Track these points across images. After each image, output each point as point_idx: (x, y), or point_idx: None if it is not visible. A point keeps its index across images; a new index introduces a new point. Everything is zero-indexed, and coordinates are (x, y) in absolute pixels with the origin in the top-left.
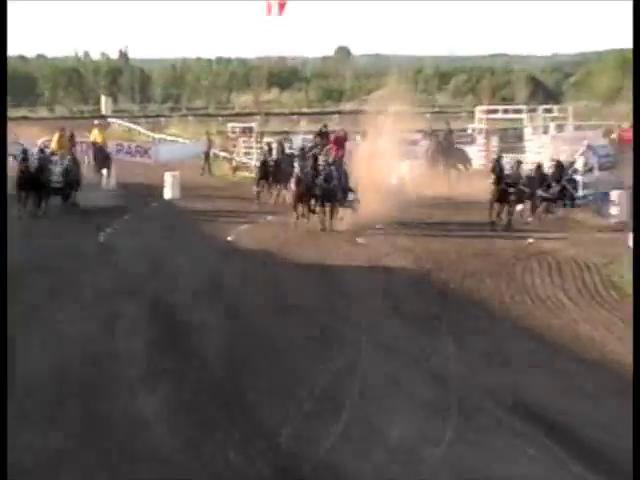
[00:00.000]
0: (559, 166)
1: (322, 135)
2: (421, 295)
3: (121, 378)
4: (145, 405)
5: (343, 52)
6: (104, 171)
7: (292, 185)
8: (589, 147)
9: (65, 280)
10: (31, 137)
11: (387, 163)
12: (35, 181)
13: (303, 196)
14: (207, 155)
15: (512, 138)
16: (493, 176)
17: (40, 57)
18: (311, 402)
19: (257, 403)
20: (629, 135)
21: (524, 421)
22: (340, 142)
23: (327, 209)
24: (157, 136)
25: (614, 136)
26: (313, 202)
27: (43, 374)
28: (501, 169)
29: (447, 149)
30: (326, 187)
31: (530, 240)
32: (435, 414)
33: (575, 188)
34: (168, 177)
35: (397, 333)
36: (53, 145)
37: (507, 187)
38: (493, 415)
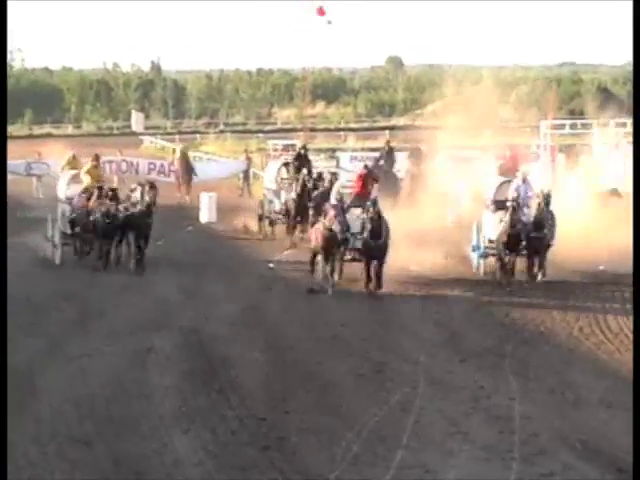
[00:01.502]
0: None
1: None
2: None
3: None
4: None
5: (394, 62)
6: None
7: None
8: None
9: None
10: (55, 155)
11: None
12: (131, 227)
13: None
14: (246, 174)
15: (581, 155)
16: (507, 216)
17: (66, 69)
18: None
19: None
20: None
21: None
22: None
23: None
24: (193, 154)
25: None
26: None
27: None
28: (517, 204)
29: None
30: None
31: None
32: None
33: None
34: (204, 198)
35: None
36: (85, 178)
37: (525, 231)
38: None
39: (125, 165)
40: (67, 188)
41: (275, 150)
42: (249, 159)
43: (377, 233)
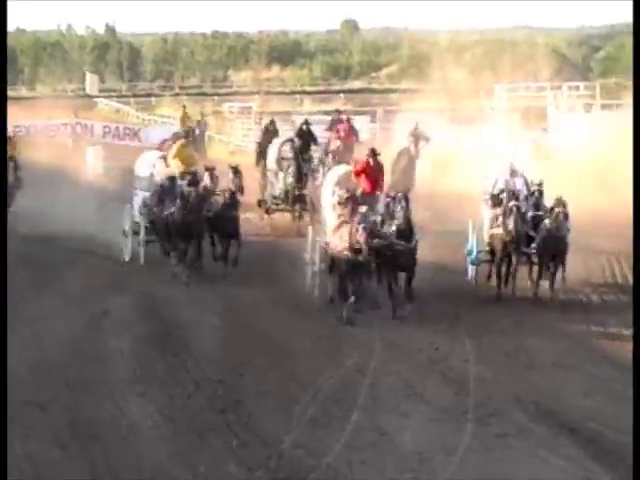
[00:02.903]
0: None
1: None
2: None
3: None
4: None
5: (350, 25)
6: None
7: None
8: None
9: None
10: (11, 119)
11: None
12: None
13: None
14: (202, 137)
15: (535, 118)
16: (504, 211)
17: (20, 31)
18: None
19: None
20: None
21: None
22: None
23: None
24: (147, 117)
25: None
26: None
27: None
28: (515, 196)
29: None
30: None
31: None
32: None
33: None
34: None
35: None
36: (173, 162)
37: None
38: None
39: (80, 128)
40: (153, 171)
41: (231, 113)
42: (205, 122)
43: (407, 235)
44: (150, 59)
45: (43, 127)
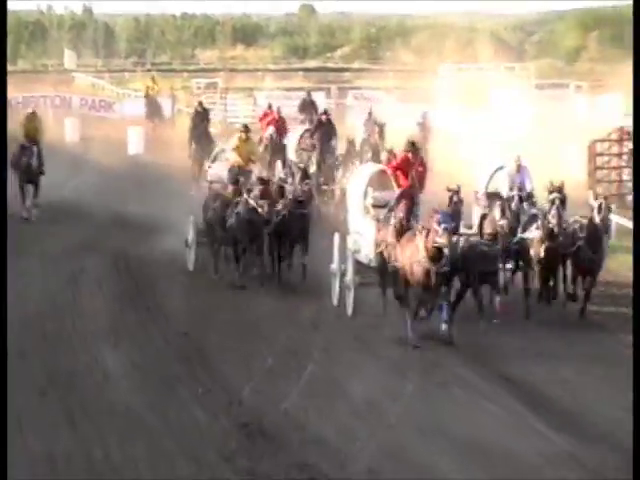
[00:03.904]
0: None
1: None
2: None
3: None
4: None
5: (307, 9)
6: None
7: None
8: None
9: None
10: None
11: None
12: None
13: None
14: (172, 110)
15: (476, 96)
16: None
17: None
18: None
19: None
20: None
21: None
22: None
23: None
24: (121, 91)
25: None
26: None
27: None
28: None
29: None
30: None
31: None
32: None
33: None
34: (132, 132)
35: None
36: (232, 155)
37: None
38: None
39: (59, 100)
40: (210, 166)
41: (198, 88)
42: (174, 96)
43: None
44: (124, 38)
45: (24, 99)
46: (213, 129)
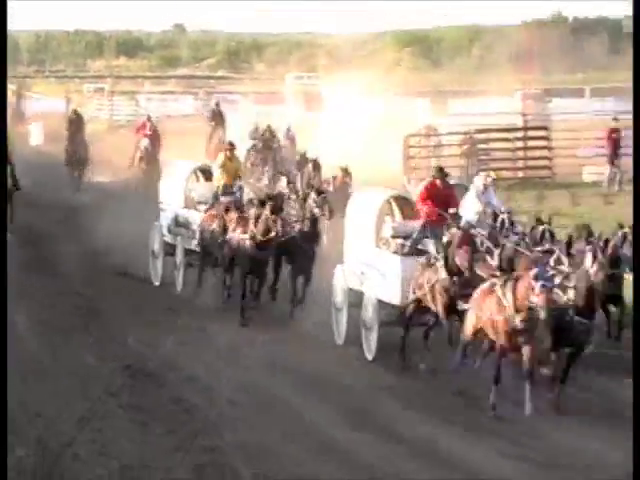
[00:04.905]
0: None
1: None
2: None
3: None
4: None
5: (179, 27)
6: None
7: None
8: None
9: None
10: None
11: None
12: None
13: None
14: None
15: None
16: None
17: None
18: None
19: None
20: None
21: None
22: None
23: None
24: (27, 93)
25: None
26: None
27: None
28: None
29: None
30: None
31: None
32: None
33: None
34: (34, 127)
35: None
36: (219, 173)
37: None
38: None
39: None
40: (190, 187)
41: (89, 92)
42: (68, 98)
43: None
44: (26, 49)
45: None
46: (100, 125)
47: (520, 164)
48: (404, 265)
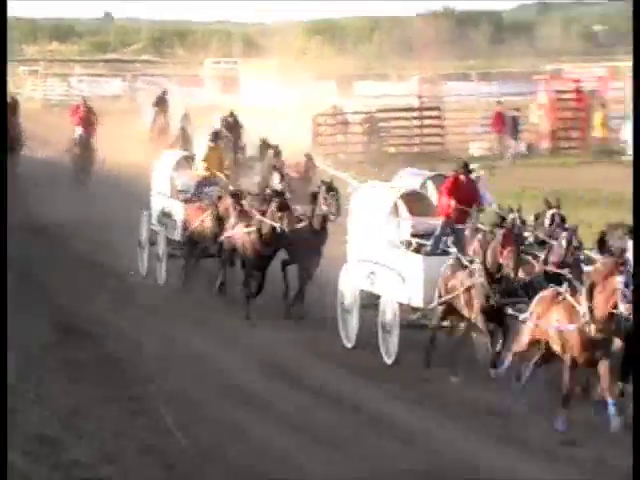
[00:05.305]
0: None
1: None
2: None
3: None
4: None
5: (108, 15)
6: None
7: None
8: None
9: None
10: None
11: None
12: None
13: None
14: None
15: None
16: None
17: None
18: None
19: None
20: None
21: None
22: None
23: None
24: None
25: None
26: None
27: None
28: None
29: None
30: None
31: None
32: None
33: None
34: None
35: None
36: (202, 166)
37: None
38: None
39: None
40: (174, 175)
41: (24, 73)
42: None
43: None
44: None
45: None
46: (34, 104)
47: (416, 140)
48: (426, 265)
